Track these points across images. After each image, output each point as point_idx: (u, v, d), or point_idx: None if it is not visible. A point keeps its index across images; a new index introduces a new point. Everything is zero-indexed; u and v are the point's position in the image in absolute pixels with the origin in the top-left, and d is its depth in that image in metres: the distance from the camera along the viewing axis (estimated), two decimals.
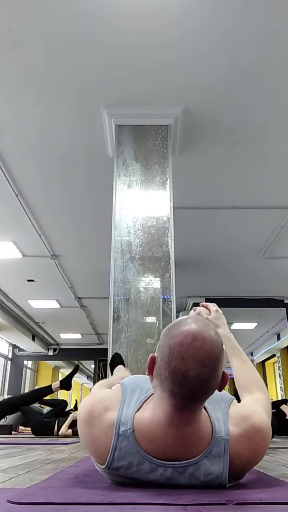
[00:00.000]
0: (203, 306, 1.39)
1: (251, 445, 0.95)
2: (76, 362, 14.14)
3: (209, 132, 3.36)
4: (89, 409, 0.99)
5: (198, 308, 1.38)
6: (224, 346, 1.26)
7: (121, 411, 0.97)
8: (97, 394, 1.07)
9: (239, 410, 1.01)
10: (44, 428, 4.27)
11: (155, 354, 0.93)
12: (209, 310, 1.36)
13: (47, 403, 4.85)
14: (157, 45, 2.59)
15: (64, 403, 4.84)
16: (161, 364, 0.89)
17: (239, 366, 1.23)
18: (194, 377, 0.84)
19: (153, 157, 3.04)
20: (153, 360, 0.92)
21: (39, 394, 4.50)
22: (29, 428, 4.59)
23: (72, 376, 4.52)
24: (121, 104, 3.06)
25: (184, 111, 3.10)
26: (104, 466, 0.95)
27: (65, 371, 15.16)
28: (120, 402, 1.00)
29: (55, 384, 4.39)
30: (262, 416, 0.99)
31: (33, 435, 4.28)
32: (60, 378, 14.73)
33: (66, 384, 4.41)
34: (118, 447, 0.92)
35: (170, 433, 0.90)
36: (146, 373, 0.95)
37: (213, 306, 1.38)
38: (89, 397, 1.07)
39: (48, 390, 4.39)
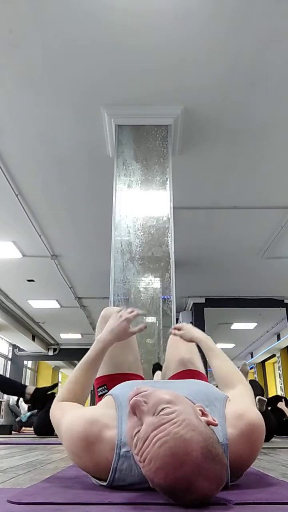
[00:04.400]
0: (176, 330, 1.56)
1: (250, 443, 0.93)
2: (76, 362, 14.10)
3: (209, 132, 3.36)
4: (82, 435, 0.92)
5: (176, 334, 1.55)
6: (202, 349, 1.40)
7: (120, 430, 0.91)
8: (85, 414, 0.99)
9: (233, 410, 0.98)
10: (46, 428, 4.27)
11: (136, 453, 0.78)
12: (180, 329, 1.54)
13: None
14: (158, 45, 2.59)
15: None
16: (154, 483, 0.76)
17: (217, 365, 1.29)
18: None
19: (153, 157, 3.04)
20: None
21: (9, 386, 4.14)
22: (30, 428, 4.59)
23: (48, 391, 4.05)
24: (121, 104, 3.06)
25: (184, 111, 3.10)
26: (104, 484, 0.92)
27: (65, 371, 15.15)
28: (117, 419, 0.94)
29: (29, 389, 3.92)
30: (254, 411, 0.99)
31: (33, 435, 4.28)
32: (60, 378, 14.73)
33: (39, 396, 3.94)
34: (119, 468, 0.89)
35: None
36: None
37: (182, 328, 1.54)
38: (76, 418, 0.97)
39: (20, 392, 3.98)
